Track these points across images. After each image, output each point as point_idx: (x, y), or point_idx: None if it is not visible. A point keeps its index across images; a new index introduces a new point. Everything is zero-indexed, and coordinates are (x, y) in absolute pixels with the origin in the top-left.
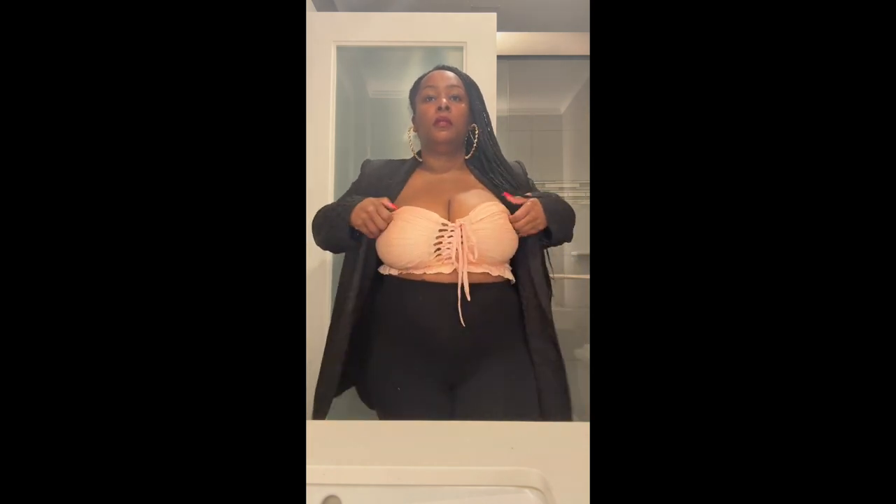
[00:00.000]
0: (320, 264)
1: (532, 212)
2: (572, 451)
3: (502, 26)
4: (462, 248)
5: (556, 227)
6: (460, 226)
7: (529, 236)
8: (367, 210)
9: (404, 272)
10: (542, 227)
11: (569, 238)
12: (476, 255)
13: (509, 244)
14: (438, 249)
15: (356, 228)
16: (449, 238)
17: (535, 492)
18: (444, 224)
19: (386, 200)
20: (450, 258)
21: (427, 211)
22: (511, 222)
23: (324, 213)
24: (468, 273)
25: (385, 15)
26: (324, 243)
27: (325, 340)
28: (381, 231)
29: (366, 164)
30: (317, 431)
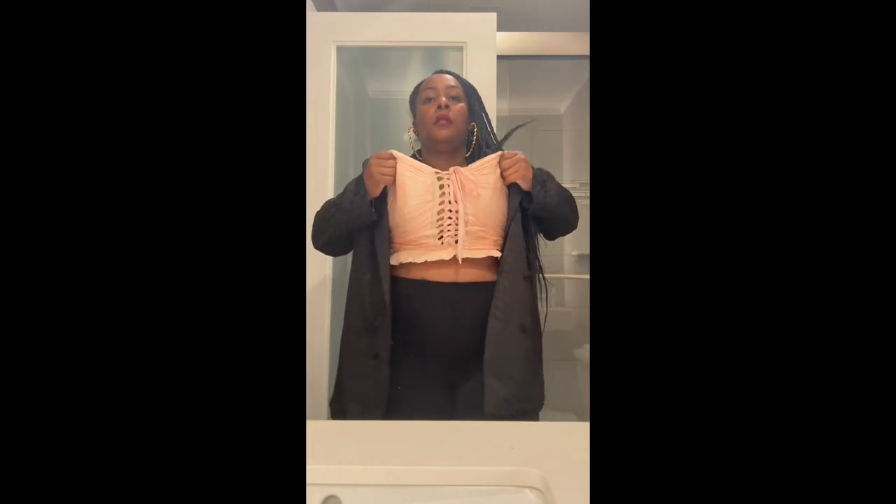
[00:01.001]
0: (320, 262)
1: (517, 157)
2: (572, 451)
3: (502, 26)
4: (460, 190)
5: (539, 190)
6: (454, 170)
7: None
8: (370, 169)
9: (404, 272)
10: (525, 174)
11: (558, 214)
12: (479, 195)
13: (503, 200)
14: (441, 221)
15: (373, 190)
16: (448, 181)
17: (535, 492)
18: (438, 173)
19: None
20: (450, 240)
21: (423, 164)
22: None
23: (333, 205)
24: (467, 273)
25: (385, 15)
26: (333, 238)
27: (326, 340)
28: (392, 175)
29: (367, 163)
30: (317, 431)
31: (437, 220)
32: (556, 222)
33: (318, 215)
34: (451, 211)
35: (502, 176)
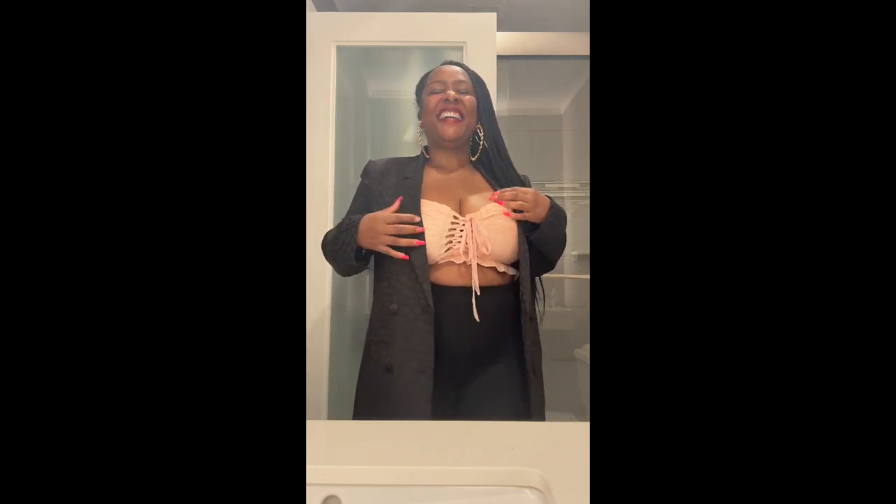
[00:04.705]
0: (320, 262)
1: (522, 194)
2: (572, 451)
3: (502, 26)
4: (472, 242)
5: (549, 224)
6: (471, 220)
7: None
8: (386, 230)
9: None
10: (527, 210)
11: (555, 252)
12: (490, 250)
13: (515, 244)
14: (450, 242)
15: (382, 250)
16: (460, 231)
17: (535, 492)
18: (455, 217)
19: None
20: (458, 253)
21: (439, 204)
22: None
23: (333, 240)
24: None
25: (385, 15)
26: (344, 272)
27: (326, 340)
28: (414, 234)
29: (370, 166)
30: (317, 431)
31: (446, 246)
32: (542, 258)
33: (327, 244)
34: (459, 240)
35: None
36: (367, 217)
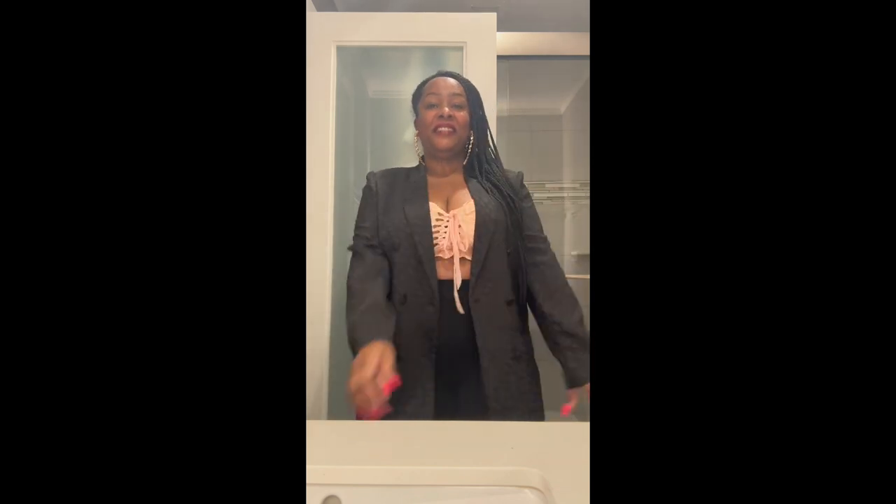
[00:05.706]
0: (320, 262)
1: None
2: (572, 451)
3: (502, 26)
4: (455, 236)
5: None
6: (454, 215)
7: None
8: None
9: None
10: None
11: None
12: (466, 247)
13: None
14: (436, 239)
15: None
16: (445, 227)
17: (535, 492)
18: (440, 213)
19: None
20: (444, 248)
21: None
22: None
23: (357, 318)
24: (464, 271)
25: (385, 15)
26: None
27: (325, 340)
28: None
29: (371, 176)
30: (317, 431)
31: (434, 243)
32: None
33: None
34: (444, 237)
35: None
36: (357, 361)
